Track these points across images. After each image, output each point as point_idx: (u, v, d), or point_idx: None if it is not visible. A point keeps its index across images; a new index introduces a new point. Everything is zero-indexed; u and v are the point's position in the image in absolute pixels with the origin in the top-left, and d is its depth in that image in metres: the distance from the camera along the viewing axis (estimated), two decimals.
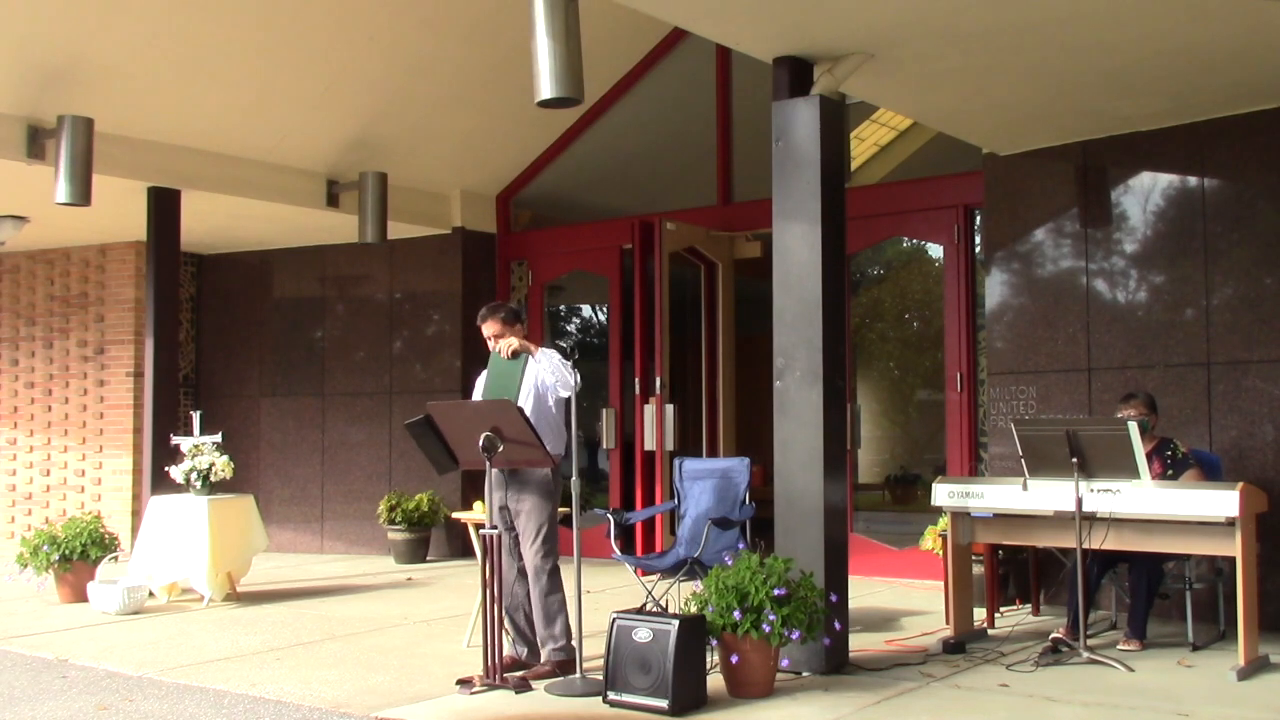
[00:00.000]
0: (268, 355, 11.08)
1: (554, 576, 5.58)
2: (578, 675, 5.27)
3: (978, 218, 8.09)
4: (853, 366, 8.71)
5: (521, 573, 5.66)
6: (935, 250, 8.61)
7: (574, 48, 5.37)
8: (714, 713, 4.85)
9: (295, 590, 8.45)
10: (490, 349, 5.81)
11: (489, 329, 5.75)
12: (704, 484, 6.68)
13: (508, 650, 5.64)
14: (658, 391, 9.02)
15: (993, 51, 5.85)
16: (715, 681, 5.08)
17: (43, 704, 5.20)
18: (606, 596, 7.62)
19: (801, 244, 5.75)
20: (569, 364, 5.59)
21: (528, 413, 5.47)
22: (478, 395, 5.89)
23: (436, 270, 10.41)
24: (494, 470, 5.52)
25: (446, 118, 9.32)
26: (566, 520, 5.62)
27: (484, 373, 5.95)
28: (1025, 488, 5.86)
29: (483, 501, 5.83)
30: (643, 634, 4.86)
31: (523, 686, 5.24)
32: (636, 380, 9.25)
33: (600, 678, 5.04)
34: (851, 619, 5.93)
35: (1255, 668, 5.47)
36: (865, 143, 9.08)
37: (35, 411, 11.02)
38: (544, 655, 5.56)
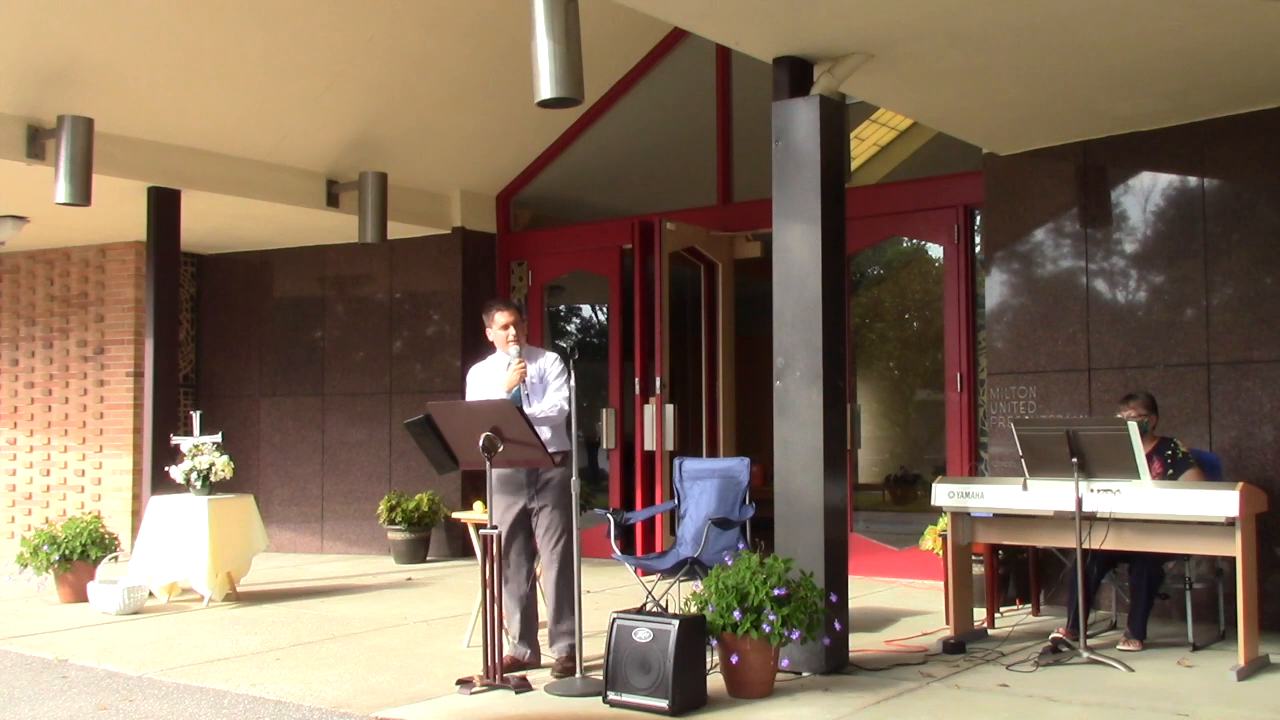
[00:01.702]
0: (268, 355, 11.07)
1: (574, 573, 5.61)
2: (578, 675, 5.27)
3: (978, 218, 8.09)
4: (853, 366, 8.71)
5: (530, 572, 5.69)
6: (935, 250, 8.61)
7: (574, 48, 5.37)
8: (714, 713, 4.85)
9: (295, 590, 8.45)
10: (499, 341, 5.85)
11: (509, 317, 5.84)
12: (704, 484, 6.68)
13: (509, 650, 5.65)
14: (658, 391, 9.02)
15: (993, 51, 5.85)
16: (715, 681, 5.08)
17: (43, 704, 5.20)
18: (606, 596, 7.62)
19: (801, 244, 5.76)
20: (562, 382, 5.73)
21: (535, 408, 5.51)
22: (477, 389, 5.89)
23: (436, 270, 10.41)
24: (512, 471, 5.57)
25: (446, 118, 9.32)
26: None
27: (481, 366, 5.96)
28: (1025, 488, 5.87)
29: (483, 501, 5.84)
30: (643, 634, 4.86)
31: (523, 686, 5.24)
32: (636, 380, 9.25)
33: (600, 678, 5.04)
34: (851, 619, 5.92)
35: (1255, 668, 5.47)
36: (865, 143, 9.08)
37: (35, 411, 11.02)
38: (558, 650, 5.54)
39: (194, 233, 9.81)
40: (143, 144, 8.37)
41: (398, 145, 9.35)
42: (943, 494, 6.15)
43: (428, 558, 9.95)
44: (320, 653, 6.22)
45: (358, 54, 8.33)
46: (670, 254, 9.06)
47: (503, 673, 5.33)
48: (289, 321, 11.02)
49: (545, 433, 5.61)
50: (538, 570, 5.88)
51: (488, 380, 5.90)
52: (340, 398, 10.74)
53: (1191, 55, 5.92)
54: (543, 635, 5.87)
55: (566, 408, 5.71)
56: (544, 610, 5.86)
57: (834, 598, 5.42)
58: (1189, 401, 6.94)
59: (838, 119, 5.96)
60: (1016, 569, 7.18)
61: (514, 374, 5.72)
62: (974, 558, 6.62)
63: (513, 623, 5.74)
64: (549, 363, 5.87)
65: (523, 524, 5.71)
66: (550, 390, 5.78)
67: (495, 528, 5.35)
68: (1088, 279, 7.38)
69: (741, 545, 6.25)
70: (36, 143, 7.64)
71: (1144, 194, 7.23)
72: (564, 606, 5.60)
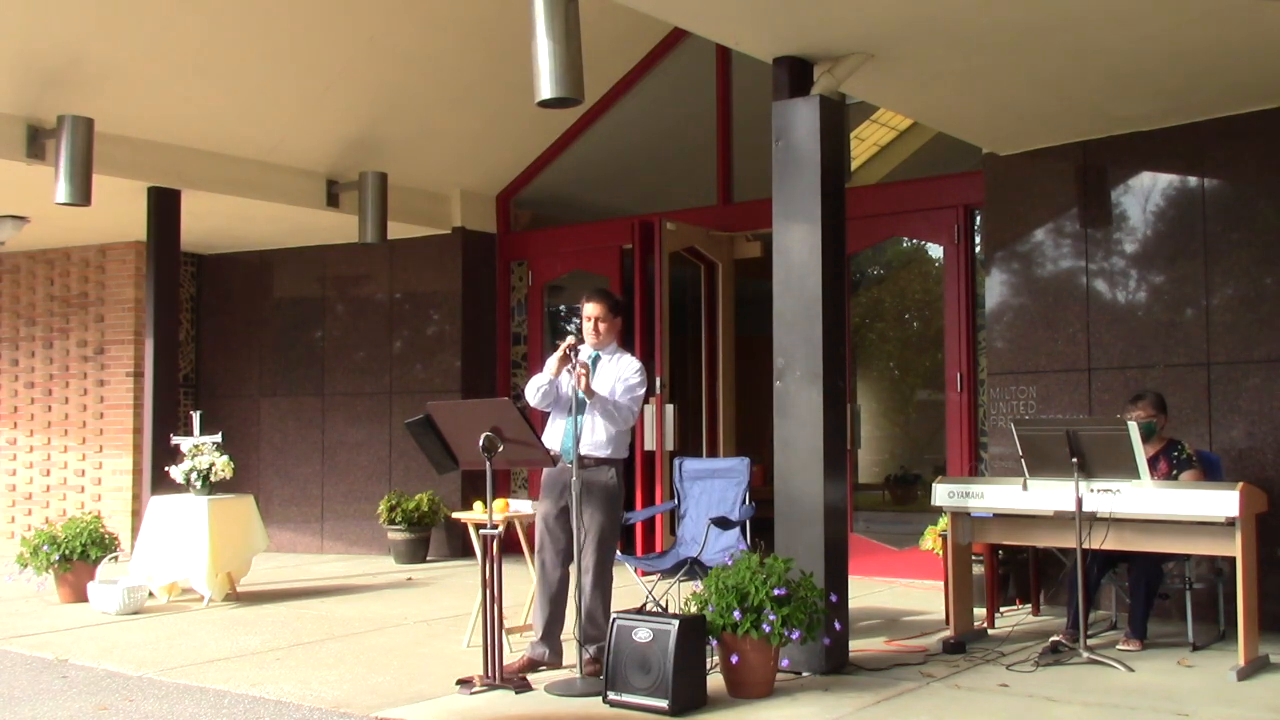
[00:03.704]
0: (268, 355, 11.08)
1: (611, 579, 5.66)
2: (578, 675, 5.27)
3: (978, 218, 8.09)
4: (853, 366, 8.71)
5: (567, 572, 5.69)
6: (935, 250, 8.61)
7: (574, 48, 5.37)
8: (714, 713, 4.85)
9: (295, 590, 8.45)
10: (589, 331, 5.72)
11: (594, 309, 5.71)
12: (704, 484, 6.68)
13: (527, 652, 5.69)
14: (658, 391, 9.01)
15: (993, 52, 5.85)
16: (715, 681, 5.08)
17: (43, 704, 5.19)
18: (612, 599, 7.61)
19: (801, 244, 5.75)
20: (632, 398, 5.63)
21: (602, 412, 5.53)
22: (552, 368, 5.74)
23: (436, 270, 10.41)
24: (559, 471, 5.57)
25: (446, 118, 9.32)
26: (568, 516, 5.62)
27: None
28: (1025, 488, 5.87)
29: (483, 501, 5.84)
30: (643, 634, 4.86)
31: (523, 686, 5.24)
32: None
33: (600, 678, 5.04)
34: (851, 619, 5.93)
35: (1255, 668, 5.47)
36: (865, 143, 9.08)
37: (35, 411, 11.02)
38: (591, 653, 5.47)
39: (194, 233, 9.81)
40: (143, 144, 8.37)
41: (398, 145, 9.34)
42: (943, 494, 6.15)
43: (428, 558, 9.95)
44: (320, 653, 6.22)
45: (358, 54, 8.33)
46: (670, 254, 9.05)
47: (521, 673, 5.39)
48: (289, 321, 11.02)
49: (605, 430, 5.58)
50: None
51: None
52: (340, 398, 10.74)
53: (1192, 56, 5.93)
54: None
55: (635, 409, 5.63)
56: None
57: (834, 598, 5.42)
58: (1189, 401, 6.94)
59: (838, 119, 5.96)
60: (1016, 569, 7.18)
61: (556, 360, 5.51)
62: (974, 558, 6.62)
63: (537, 621, 5.74)
64: (627, 368, 5.71)
65: (562, 524, 5.68)
66: (620, 390, 5.63)
67: (495, 527, 5.35)
68: (1088, 279, 7.38)
69: (741, 545, 6.25)
70: (36, 143, 7.64)
71: (1144, 194, 7.23)
72: (598, 608, 5.58)
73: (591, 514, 5.56)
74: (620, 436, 5.70)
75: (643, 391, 5.73)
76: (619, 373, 5.71)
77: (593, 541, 5.56)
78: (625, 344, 9.38)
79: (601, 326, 5.73)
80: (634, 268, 9.25)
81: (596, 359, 5.75)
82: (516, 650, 5.95)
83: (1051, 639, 5.97)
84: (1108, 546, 5.74)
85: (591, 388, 5.53)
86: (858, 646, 5.96)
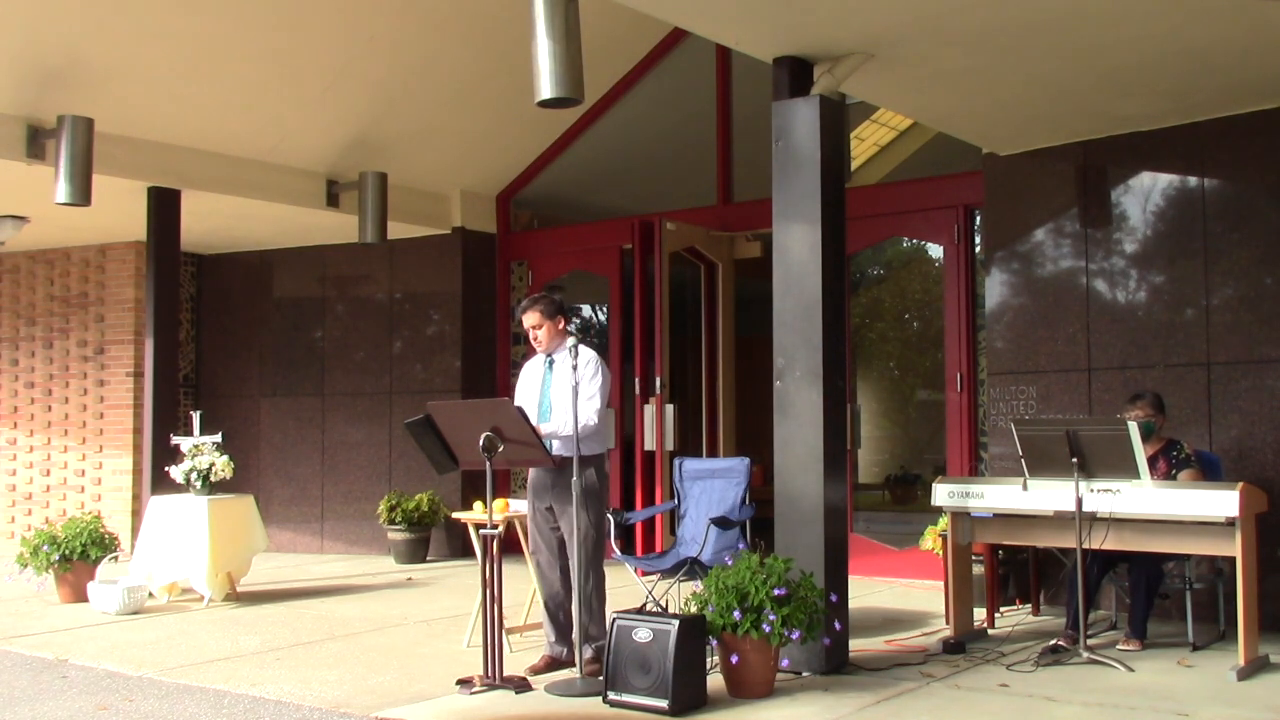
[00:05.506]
0: (268, 355, 11.08)
1: (603, 576, 5.66)
2: (578, 675, 5.27)
3: (978, 218, 8.09)
4: (853, 366, 8.71)
5: (564, 571, 5.69)
6: (935, 250, 8.61)
7: (574, 48, 5.38)
8: (714, 713, 4.85)
9: (295, 590, 8.45)
10: (532, 340, 5.79)
11: (529, 320, 5.75)
12: (704, 484, 6.68)
13: (547, 651, 5.71)
14: (658, 391, 9.02)
15: (993, 52, 5.85)
16: (715, 681, 5.08)
17: (43, 704, 5.20)
18: (607, 596, 7.60)
19: (801, 244, 5.76)
20: (596, 401, 5.60)
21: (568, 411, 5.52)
22: (520, 389, 5.89)
23: (436, 270, 10.41)
24: (543, 471, 5.58)
25: (446, 118, 9.32)
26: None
27: (527, 365, 5.95)
28: (1025, 488, 5.87)
29: (483, 501, 5.84)
30: (643, 634, 4.86)
31: (523, 687, 5.25)
32: (636, 380, 9.25)
33: (600, 678, 5.04)
34: (851, 619, 5.92)
35: (1255, 668, 5.47)
36: (865, 143, 9.08)
37: (35, 411, 11.02)
38: (589, 652, 5.48)
39: (194, 233, 9.81)
40: (143, 144, 8.37)
41: (398, 145, 9.35)
42: (943, 494, 6.15)
43: (428, 558, 9.95)
44: (320, 653, 6.22)
45: (358, 53, 8.33)
46: (670, 254, 9.06)
47: (544, 672, 5.43)
48: (289, 321, 11.02)
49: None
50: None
51: (526, 382, 5.89)
52: (340, 398, 10.74)
53: (1191, 56, 5.92)
54: None
55: (594, 421, 5.57)
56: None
57: (834, 598, 5.42)
58: (1189, 401, 6.94)
59: (838, 119, 5.96)
60: (1016, 569, 7.18)
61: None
62: (974, 558, 6.62)
63: (547, 623, 5.75)
64: (583, 367, 5.62)
65: (549, 524, 5.70)
66: (582, 399, 5.54)
67: (495, 527, 5.35)
68: (1088, 279, 7.38)
69: (741, 545, 6.25)
70: (36, 143, 7.64)
71: (1144, 194, 7.23)
72: (592, 608, 5.57)
73: (574, 513, 5.54)
74: (596, 433, 5.67)
75: (599, 382, 5.62)
76: (577, 375, 5.60)
77: (579, 541, 5.56)
78: (625, 344, 9.47)
79: (542, 334, 5.73)
80: (634, 268, 9.26)
81: (550, 363, 5.77)
82: (517, 650, 5.96)
83: (1054, 641, 5.96)
84: (1108, 546, 5.74)
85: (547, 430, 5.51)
86: (858, 646, 5.96)
